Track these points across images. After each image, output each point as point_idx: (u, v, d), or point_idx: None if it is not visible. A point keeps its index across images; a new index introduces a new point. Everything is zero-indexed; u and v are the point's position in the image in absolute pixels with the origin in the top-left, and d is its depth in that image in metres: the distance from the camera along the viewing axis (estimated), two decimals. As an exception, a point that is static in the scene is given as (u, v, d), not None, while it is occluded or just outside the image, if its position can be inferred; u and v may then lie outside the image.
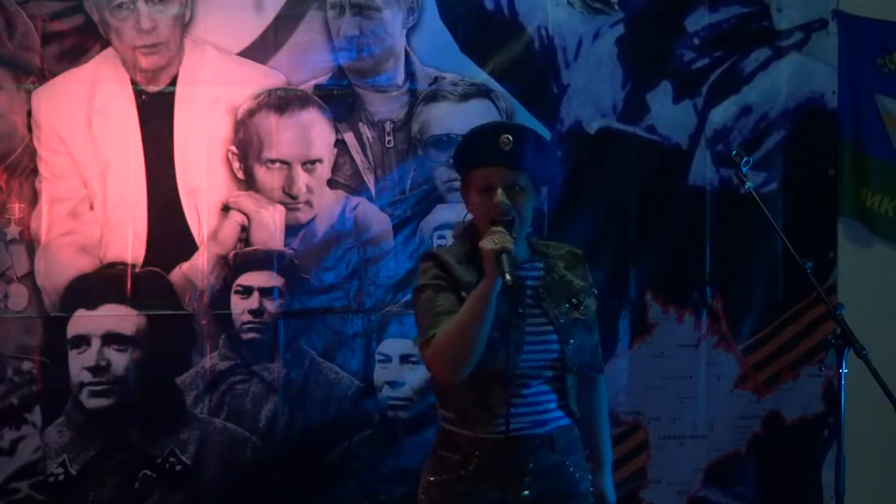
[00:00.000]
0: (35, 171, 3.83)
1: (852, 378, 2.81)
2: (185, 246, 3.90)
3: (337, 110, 3.99)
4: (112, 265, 3.86)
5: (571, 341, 2.72)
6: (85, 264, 3.85)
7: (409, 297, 3.92)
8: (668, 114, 4.19)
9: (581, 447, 2.83)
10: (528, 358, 2.69)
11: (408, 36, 4.04)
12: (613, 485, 2.92)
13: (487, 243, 2.58)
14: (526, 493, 2.69)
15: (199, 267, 3.90)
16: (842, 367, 2.79)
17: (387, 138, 4.03)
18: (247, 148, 3.94)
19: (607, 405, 2.98)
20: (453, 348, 2.61)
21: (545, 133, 4.05)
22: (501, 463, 2.69)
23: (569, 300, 2.75)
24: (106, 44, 3.87)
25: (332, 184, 4.00)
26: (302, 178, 3.96)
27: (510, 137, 2.67)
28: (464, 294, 2.67)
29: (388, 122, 4.03)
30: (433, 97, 4.05)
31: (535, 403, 2.71)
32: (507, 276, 2.52)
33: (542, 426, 2.71)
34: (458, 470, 2.71)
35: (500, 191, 2.66)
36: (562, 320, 2.72)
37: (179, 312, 3.89)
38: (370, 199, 4.01)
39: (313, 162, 3.98)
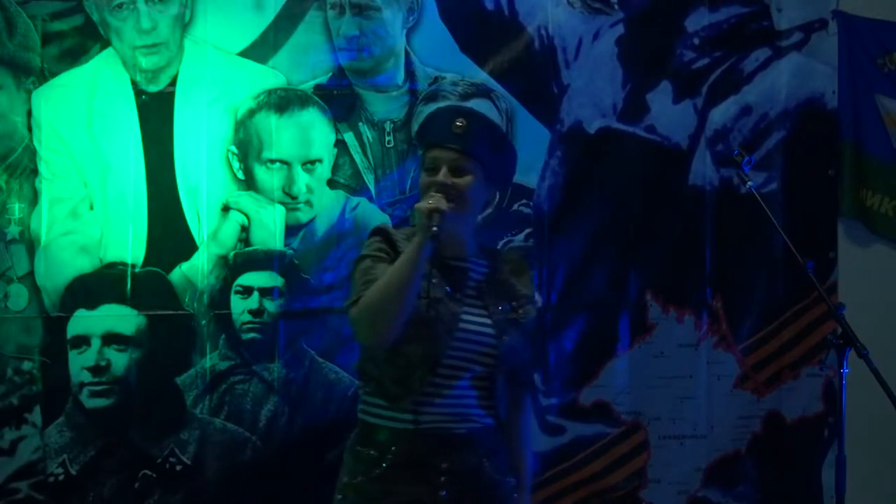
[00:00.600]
0: (35, 171, 3.84)
1: (852, 378, 2.81)
2: (185, 246, 3.90)
3: (337, 110, 3.99)
4: (112, 265, 3.86)
5: (506, 338, 2.68)
6: (85, 264, 3.85)
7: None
8: (668, 114, 4.19)
9: (503, 451, 2.76)
10: (460, 346, 2.64)
11: (408, 36, 4.04)
12: (529, 500, 2.84)
13: (421, 204, 2.57)
14: (443, 493, 2.63)
15: (199, 267, 3.90)
16: (842, 367, 2.79)
17: (387, 138, 4.03)
18: (247, 148, 3.94)
19: (531, 422, 2.93)
20: (378, 307, 2.55)
21: (545, 133, 4.06)
22: (416, 459, 2.63)
23: (509, 301, 2.73)
24: (106, 44, 3.87)
25: (332, 184, 4.00)
26: (302, 178, 3.96)
27: (464, 121, 2.65)
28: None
29: (388, 122, 4.03)
30: (433, 97, 4.05)
31: (458, 397, 2.65)
32: (434, 228, 2.50)
33: (461, 424, 2.66)
34: (373, 469, 2.65)
35: (444, 169, 2.63)
36: (499, 316, 2.70)
37: (179, 312, 3.89)
38: (370, 199, 4.01)
39: (313, 162, 3.98)
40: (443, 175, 2.62)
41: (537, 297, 2.82)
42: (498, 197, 2.79)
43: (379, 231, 2.75)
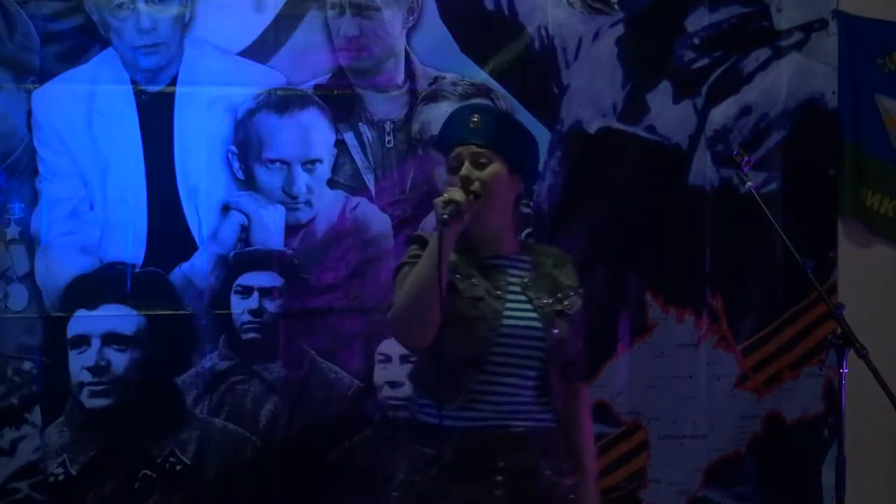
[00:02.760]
0: (35, 171, 3.84)
1: (852, 378, 2.81)
2: (185, 246, 3.90)
3: (337, 110, 3.99)
4: (112, 265, 3.86)
5: (555, 331, 2.68)
6: (85, 264, 3.85)
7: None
8: (668, 114, 4.19)
9: (561, 452, 2.75)
10: (507, 342, 2.64)
11: (408, 36, 4.04)
12: (597, 497, 2.82)
13: (437, 199, 2.58)
14: (498, 492, 2.62)
15: (199, 267, 3.90)
16: (842, 367, 2.79)
17: (387, 138, 4.03)
18: (247, 148, 3.94)
19: (590, 413, 2.89)
20: (407, 307, 2.57)
21: (545, 133, 4.05)
22: (471, 458, 2.62)
23: (554, 294, 2.72)
24: (106, 44, 3.87)
25: (332, 184, 4.00)
26: (302, 178, 3.96)
27: (479, 117, 2.67)
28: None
29: (388, 122, 4.03)
30: (433, 97, 4.05)
31: (511, 395, 2.64)
32: (445, 216, 2.50)
33: (516, 422, 2.65)
34: (429, 467, 2.64)
35: (466, 164, 2.65)
36: (545, 309, 2.69)
37: (179, 312, 3.89)
38: (370, 199, 4.01)
39: (313, 162, 3.98)
40: (465, 169, 2.64)
41: (580, 290, 2.79)
42: (525, 188, 2.76)
43: (416, 238, 2.76)
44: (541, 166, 4.03)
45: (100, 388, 3.85)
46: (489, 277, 2.69)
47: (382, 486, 3.95)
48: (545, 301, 2.70)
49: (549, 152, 4.09)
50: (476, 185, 2.63)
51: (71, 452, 3.84)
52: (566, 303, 2.72)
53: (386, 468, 3.97)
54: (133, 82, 3.89)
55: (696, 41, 4.22)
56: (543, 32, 4.11)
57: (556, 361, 2.70)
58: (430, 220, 3.99)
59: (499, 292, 2.68)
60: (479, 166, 2.65)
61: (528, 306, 2.69)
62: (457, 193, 2.57)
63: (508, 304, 2.68)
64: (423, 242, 2.69)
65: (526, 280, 2.72)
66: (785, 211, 4.18)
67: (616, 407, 4.11)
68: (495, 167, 2.65)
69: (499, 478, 2.62)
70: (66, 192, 3.86)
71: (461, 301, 2.63)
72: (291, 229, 3.96)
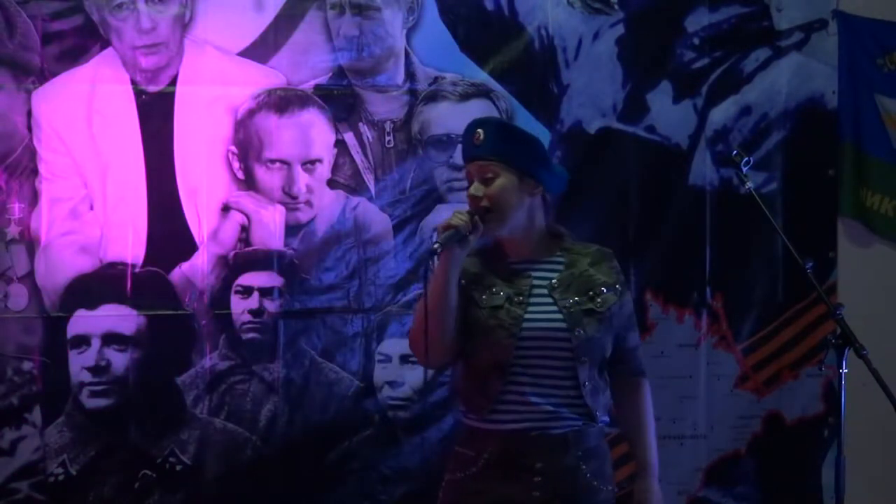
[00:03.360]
0: (35, 171, 3.83)
1: (852, 378, 2.81)
2: (185, 246, 3.90)
3: (337, 110, 3.99)
4: (112, 265, 3.86)
5: (580, 330, 2.69)
6: (85, 264, 3.85)
7: (409, 297, 3.95)
8: (668, 114, 4.19)
9: (605, 455, 2.78)
10: (529, 346, 2.67)
11: (408, 36, 4.04)
12: (660, 496, 2.85)
13: (438, 224, 2.66)
14: (536, 493, 2.66)
15: (199, 267, 3.90)
16: (842, 367, 2.79)
17: (387, 138, 4.03)
18: (247, 148, 3.94)
19: (650, 409, 2.89)
20: (418, 329, 2.67)
21: (545, 133, 4.05)
22: (510, 459, 2.67)
23: (585, 293, 2.73)
24: (106, 44, 3.87)
25: (332, 184, 4.00)
26: (302, 178, 3.96)
27: (482, 131, 2.71)
28: (462, 282, 2.71)
29: (388, 122, 4.03)
30: (433, 97, 4.05)
31: (546, 397, 2.67)
32: (437, 245, 2.58)
33: (553, 423, 2.68)
34: (470, 467, 2.70)
35: (475, 182, 2.71)
36: (571, 309, 2.70)
37: (179, 312, 3.89)
38: (370, 199, 4.01)
39: (313, 162, 3.98)
40: (473, 188, 2.70)
41: (619, 285, 2.78)
42: (547, 188, 2.76)
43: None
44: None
45: (100, 388, 3.85)
46: (514, 283, 2.72)
47: (381, 486, 3.97)
48: (573, 300, 2.71)
49: (549, 152, 4.09)
50: (485, 202, 2.68)
51: (71, 452, 3.84)
52: (598, 300, 2.73)
53: (386, 467, 3.98)
54: (133, 82, 3.88)
55: (696, 41, 4.22)
56: (543, 32, 4.11)
57: (592, 360, 2.72)
58: (430, 221, 4.00)
59: (520, 297, 2.70)
60: (488, 181, 2.69)
61: (554, 307, 2.71)
62: (457, 218, 2.63)
63: (532, 308, 2.70)
64: (461, 272, 2.75)
65: (554, 281, 2.73)
66: (785, 211, 4.18)
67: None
68: (502, 180, 2.68)
69: (537, 479, 2.67)
70: (66, 192, 3.85)
71: (480, 312, 2.70)
72: (291, 229, 3.96)
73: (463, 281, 2.71)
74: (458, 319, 2.68)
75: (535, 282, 2.73)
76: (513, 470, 2.67)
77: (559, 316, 2.70)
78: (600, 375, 2.76)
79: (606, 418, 2.79)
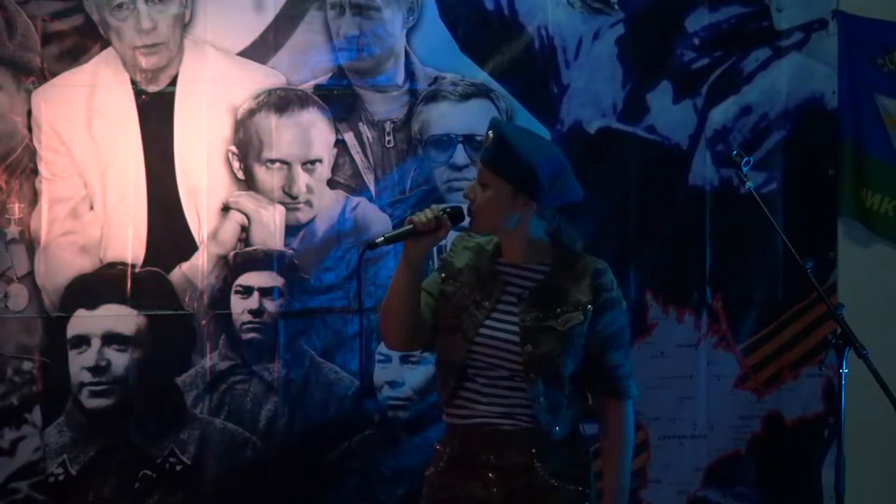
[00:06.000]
0: (35, 171, 3.84)
1: (852, 378, 2.81)
2: (185, 246, 3.90)
3: (337, 110, 3.99)
4: (112, 265, 3.86)
5: (529, 346, 2.65)
6: (85, 264, 3.85)
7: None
8: (668, 114, 4.19)
9: (570, 456, 2.72)
10: (482, 352, 2.68)
11: (408, 36, 4.04)
12: None
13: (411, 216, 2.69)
14: (494, 489, 2.67)
15: (199, 267, 3.90)
16: (842, 367, 2.79)
17: (387, 138, 4.03)
18: (247, 148, 3.94)
19: (627, 431, 2.77)
20: (382, 315, 2.76)
21: (544, 133, 4.05)
22: (467, 454, 2.69)
23: (551, 308, 2.68)
24: (106, 44, 3.87)
25: (332, 184, 4.00)
26: (302, 178, 3.96)
27: (491, 134, 2.69)
28: (442, 275, 2.76)
29: (388, 122, 4.03)
30: (433, 97, 4.05)
31: (501, 397, 2.68)
32: (379, 240, 2.66)
33: (506, 421, 2.68)
34: (439, 462, 2.75)
35: (473, 184, 2.72)
36: (529, 323, 2.67)
37: (179, 312, 3.89)
38: (370, 199, 4.01)
39: (313, 162, 3.98)
40: (469, 189, 2.72)
41: (591, 306, 2.71)
42: (542, 204, 2.72)
43: (455, 239, 2.84)
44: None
45: (100, 388, 3.85)
46: (487, 286, 2.71)
47: (381, 486, 3.97)
48: (533, 315, 2.68)
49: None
50: (473, 206, 2.69)
51: (71, 452, 3.84)
52: (561, 319, 2.68)
53: (386, 467, 3.98)
54: (133, 82, 3.89)
55: (696, 41, 4.22)
56: (543, 32, 4.11)
57: (545, 377, 2.67)
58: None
59: (486, 303, 2.70)
60: (483, 187, 2.69)
61: (514, 319, 2.69)
62: (419, 216, 2.64)
63: (494, 315, 2.70)
64: (445, 263, 2.80)
65: (526, 292, 2.71)
66: (785, 211, 4.18)
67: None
68: (492, 192, 2.66)
69: (491, 474, 2.68)
70: (66, 192, 3.86)
71: (448, 307, 2.73)
72: (291, 229, 3.96)
73: (443, 274, 2.76)
74: (411, 313, 2.70)
75: (509, 289, 2.71)
76: (471, 465, 2.70)
77: (515, 329, 2.68)
78: (564, 392, 2.70)
79: (569, 429, 2.73)
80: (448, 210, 2.67)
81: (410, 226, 2.64)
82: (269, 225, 3.95)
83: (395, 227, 2.69)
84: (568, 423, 2.72)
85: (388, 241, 2.66)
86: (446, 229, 2.66)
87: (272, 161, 3.95)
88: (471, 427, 2.70)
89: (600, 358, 2.73)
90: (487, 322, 2.69)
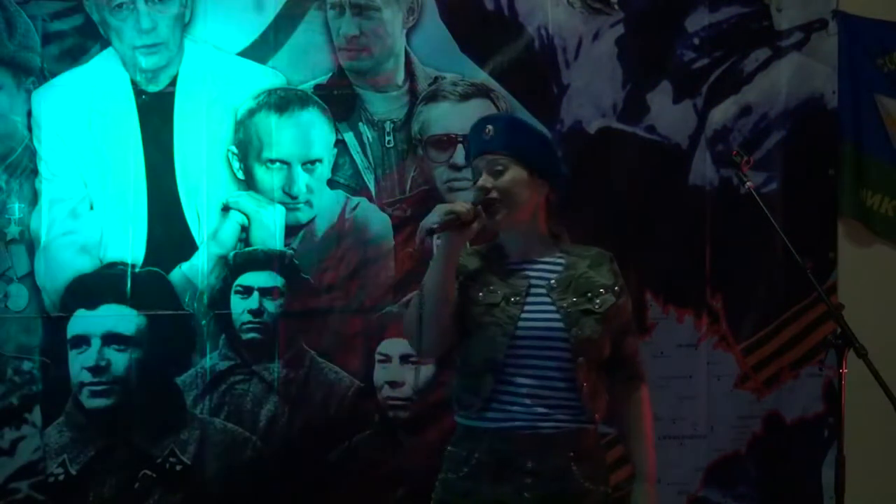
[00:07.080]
0: (35, 171, 3.84)
1: (852, 378, 2.81)
2: (185, 246, 3.90)
3: (337, 110, 4.00)
4: (112, 265, 3.86)
5: (577, 330, 2.67)
6: (85, 264, 3.86)
7: (409, 296, 3.95)
8: (668, 114, 4.19)
9: (599, 457, 2.77)
10: (524, 345, 2.66)
11: (408, 36, 4.04)
12: (656, 494, 2.83)
13: (442, 206, 2.66)
14: (526, 494, 2.64)
15: (199, 267, 3.90)
16: (842, 367, 2.79)
17: (387, 138, 4.03)
18: (247, 148, 3.95)
19: (649, 414, 2.87)
20: (412, 314, 2.67)
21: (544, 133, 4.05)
22: (500, 458, 2.66)
23: (584, 294, 2.72)
24: (106, 44, 3.87)
25: (332, 184, 4.00)
26: (302, 178, 3.96)
27: (492, 126, 2.71)
28: (460, 278, 2.72)
29: (388, 122, 4.03)
30: (433, 97, 4.05)
31: (538, 397, 2.66)
32: (434, 224, 2.57)
33: (545, 423, 2.66)
34: (462, 467, 2.69)
35: (483, 175, 2.71)
36: (569, 309, 2.69)
37: (179, 312, 3.89)
38: (370, 199, 4.01)
39: (313, 162, 3.98)
40: (482, 179, 2.70)
41: (617, 288, 2.77)
42: (554, 190, 2.77)
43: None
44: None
45: (100, 388, 3.85)
46: (511, 282, 2.71)
47: (381, 486, 3.97)
48: (571, 300, 2.70)
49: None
50: (494, 193, 2.68)
51: (71, 452, 3.84)
52: (597, 301, 2.72)
53: (386, 467, 3.98)
54: (133, 82, 3.89)
55: (696, 41, 4.22)
56: (543, 32, 4.11)
57: (590, 361, 2.70)
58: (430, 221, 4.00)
59: (517, 297, 2.69)
60: (497, 174, 2.69)
61: (552, 307, 2.70)
62: (459, 205, 2.62)
63: (529, 307, 2.69)
64: (460, 268, 2.76)
65: (553, 282, 2.73)
66: (785, 211, 4.17)
67: (616, 407, 4.11)
68: (513, 172, 2.69)
69: (528, 479, 2.65)
70: (66, 192, 3.86)
71: (477, 308, 2.70)
72: (291, 229, 3.96)
73: (461, 277, 2.72)
74: (453, 313, 2.67)
75: (534, 282, 2.73)
76: (504, 470, 2.66)
77: (557, 316, 2.69)
78: (599, 378, 2.74)
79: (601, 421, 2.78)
80: (478, 202, 2.67)
81: (453, 215, 2.60)
82: (269, 225, 3.95)
83: (429, 221, 2.62)
84: (602, 411, 2.75)
85: (442, 227, 2.61)
86: (481, 221, 2.66)
87: (272, 161, 3.95)
88: (506, 430, 2.66)
89: (621, 343, 2.79)
90: (524, 315, 2.68)
